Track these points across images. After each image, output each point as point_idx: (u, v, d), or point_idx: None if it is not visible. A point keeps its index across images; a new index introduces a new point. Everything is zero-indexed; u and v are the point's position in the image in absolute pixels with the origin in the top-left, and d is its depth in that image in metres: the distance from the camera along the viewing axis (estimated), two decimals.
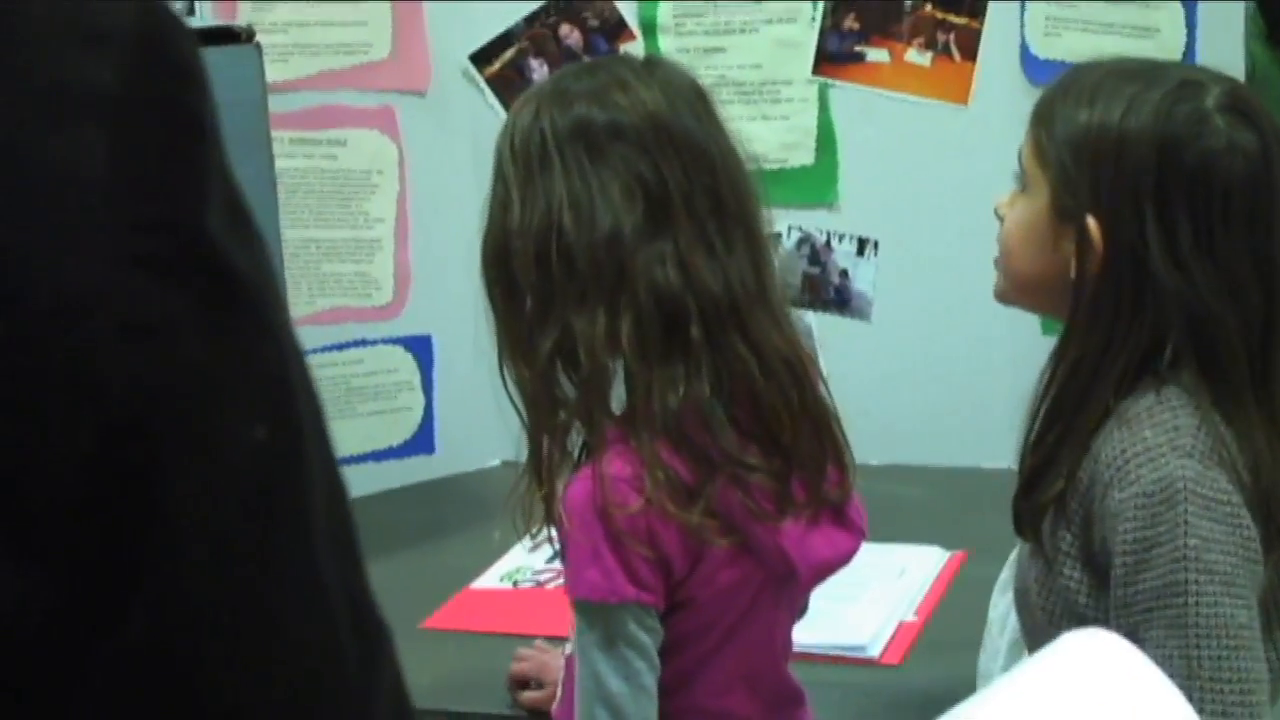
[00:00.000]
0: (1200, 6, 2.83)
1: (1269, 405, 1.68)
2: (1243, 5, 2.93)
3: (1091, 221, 1.67)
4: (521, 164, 1.74)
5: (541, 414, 1.74)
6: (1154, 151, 1.66)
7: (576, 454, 1.75)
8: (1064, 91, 1.74)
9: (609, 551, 1.67)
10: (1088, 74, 1.75)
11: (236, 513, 0.60)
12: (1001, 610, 1.92)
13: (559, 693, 1.89)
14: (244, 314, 0.62)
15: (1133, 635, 1.55)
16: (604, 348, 1.68)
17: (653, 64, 1.81)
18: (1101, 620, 1.60)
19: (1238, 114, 1.68)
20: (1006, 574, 1.91)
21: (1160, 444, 1.62)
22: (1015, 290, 1.81)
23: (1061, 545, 1.67)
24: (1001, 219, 1.82)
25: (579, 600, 1.72)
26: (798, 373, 1.76)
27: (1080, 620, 1.60)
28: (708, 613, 1.75)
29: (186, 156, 0.63)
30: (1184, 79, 1.71)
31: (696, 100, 1.77)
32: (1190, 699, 1.00)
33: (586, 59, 3.07)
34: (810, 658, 2.15)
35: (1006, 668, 1.76)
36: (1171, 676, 0.99)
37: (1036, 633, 1.70)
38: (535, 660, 2.12)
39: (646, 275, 1.68)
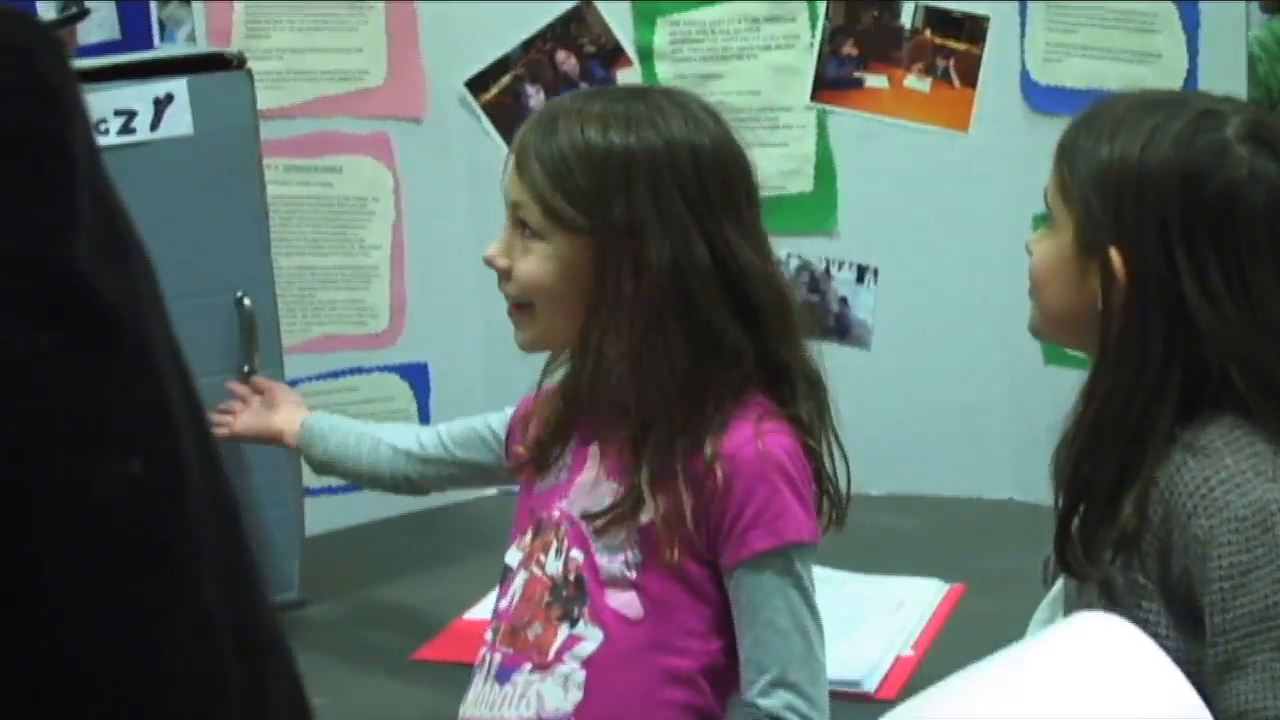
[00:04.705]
0: (1202, 32, 2.81)
1: None
2: (1244, 30, 2.91)
3: (1114, 253, 1.66)
4: (699, 193, 1.83)
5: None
6: (1175, 184, 1.64)
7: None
8: (1086, 126, 1.72)
9: (808, 494, 1.82)
10: (1110, 107, 1.73)
11: (110, 550, 0.58)
12: None
13: (581, 695, 1.85)
14: (115, 347, 0.60)
15: (1234, 661, 1.55)
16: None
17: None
18: (1183, 651, 1.58)
19: (1259, 143, 1.66)
20: (1045, 614, 1.87)
21: (1244, 470, 1.60)
22: (1048, 324, 1.79)
23: (1136, 580, 1.64)
24: (1031, 254, 1.80)
25: (795, 544, 1.81)
26: None
27: None
28: None
29: (49, 186, 0.60)
30: (1205, 109, 1.68)
31: None
32: None
33: (584, 86, 3.06)
34: None
35: None
36: None
37: None
38: None
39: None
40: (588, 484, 1.87)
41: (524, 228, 1.85)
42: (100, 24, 2.99)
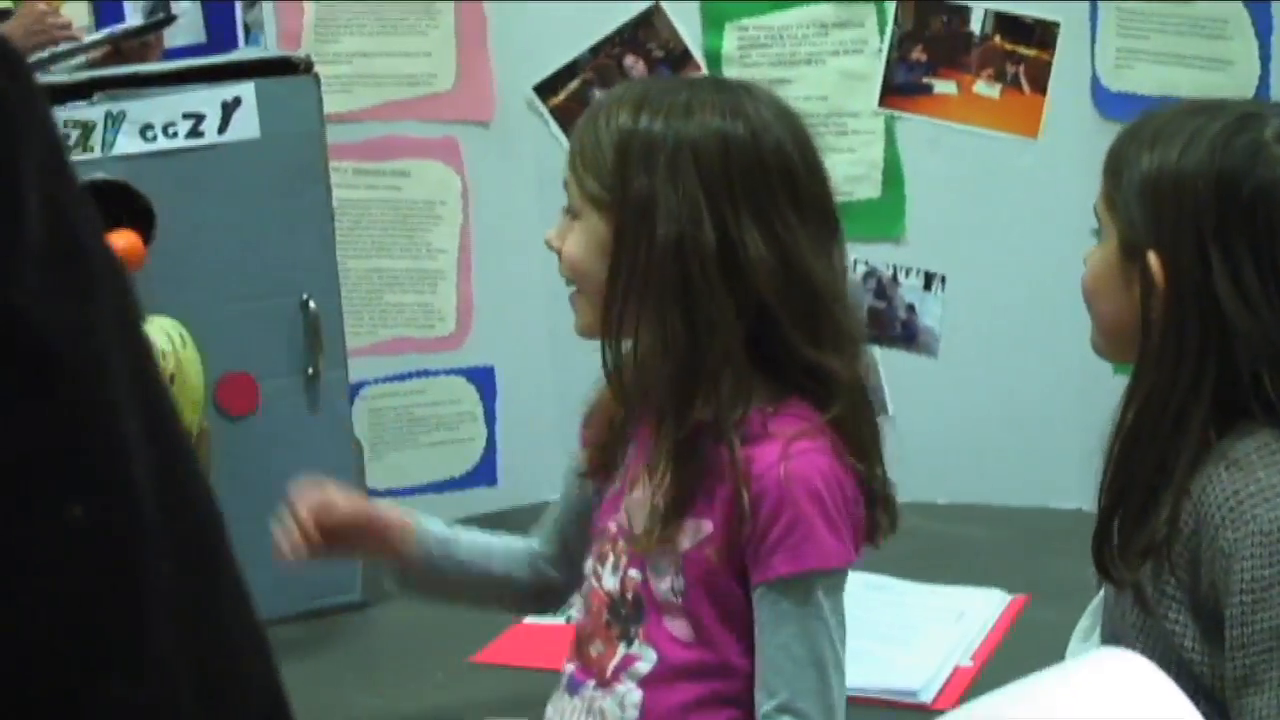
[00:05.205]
0: (1275, 39, 2.78)
1: None
2: None
3: (1153, 257, 1.65)
4: (722, 180, 1.77)
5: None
6: (1211, 185, 1.63)
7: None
8: (1130, 137, 1.72)
9: (842, 519, 1.75)
10: (1154, 117, 1.72)
11: (52, 600, 0.56)
12: None
13: (636, 714, 1.86)
14: (56, 385, 0.57)
15: (1251, 676, 1.53)
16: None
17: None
18: (1208, 664, 1.57)
19: None
20: (1087, 621, 1.86)
21: (1275, 484, 1.58)
22: (1104, 338, 1.77)
23: (1166, 590, 1.63)
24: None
25: (818, 572, 1.76)
26: None
27: (1184, 666, 1.57)
28: None
29: None
30: (1245, 113, 1.68)
31: None
32: None
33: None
34: (860, 700, 2.10)
35: None
36: None
37: None
38: None
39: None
40: (641, 500, 1.86)
41: (569, 210, 1.87)
42: (186, 28, 3.02)
